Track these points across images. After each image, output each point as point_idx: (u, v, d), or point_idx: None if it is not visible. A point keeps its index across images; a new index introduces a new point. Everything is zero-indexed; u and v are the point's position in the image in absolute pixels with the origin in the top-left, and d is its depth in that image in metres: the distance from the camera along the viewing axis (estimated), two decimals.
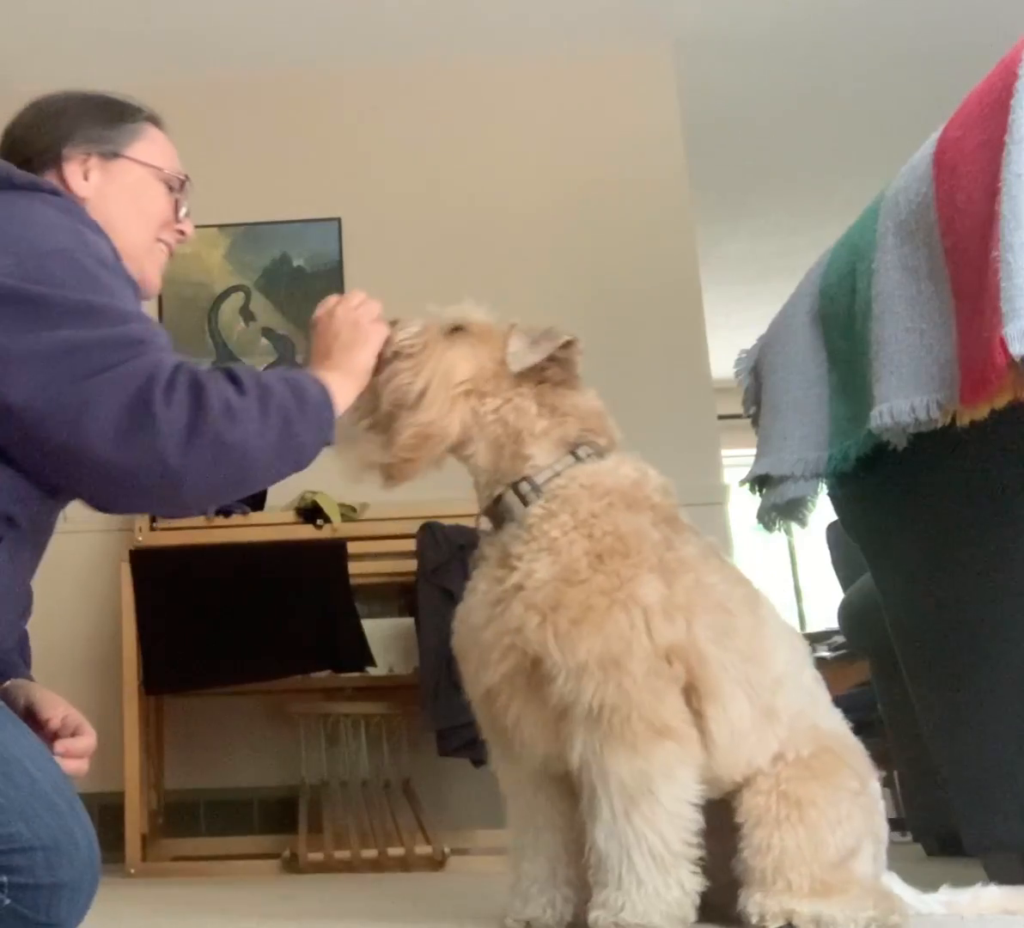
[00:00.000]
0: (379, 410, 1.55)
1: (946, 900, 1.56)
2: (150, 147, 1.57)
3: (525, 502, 1.51)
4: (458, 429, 1.54)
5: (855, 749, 1.51)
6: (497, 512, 1.54)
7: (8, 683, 1.48)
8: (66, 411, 1.24)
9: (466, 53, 4.23)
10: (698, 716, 1.42)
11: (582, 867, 1.44)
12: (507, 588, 1.46)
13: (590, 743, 1.39)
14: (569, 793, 1.47)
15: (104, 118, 1.56)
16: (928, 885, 1.59)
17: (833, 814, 1.41)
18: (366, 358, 1.54)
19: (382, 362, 1.55)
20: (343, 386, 1.49)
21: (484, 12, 4.04)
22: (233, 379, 1.34)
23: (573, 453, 1.53)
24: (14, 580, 1.36)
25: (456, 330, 1.58)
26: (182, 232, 1.61)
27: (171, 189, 1.58)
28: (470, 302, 1.62)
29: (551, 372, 1.56)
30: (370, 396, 1.54)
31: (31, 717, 1.42)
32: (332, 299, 1.59)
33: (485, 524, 1.58)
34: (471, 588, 1.53)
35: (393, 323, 1.58)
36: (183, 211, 1.60)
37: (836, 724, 1.53)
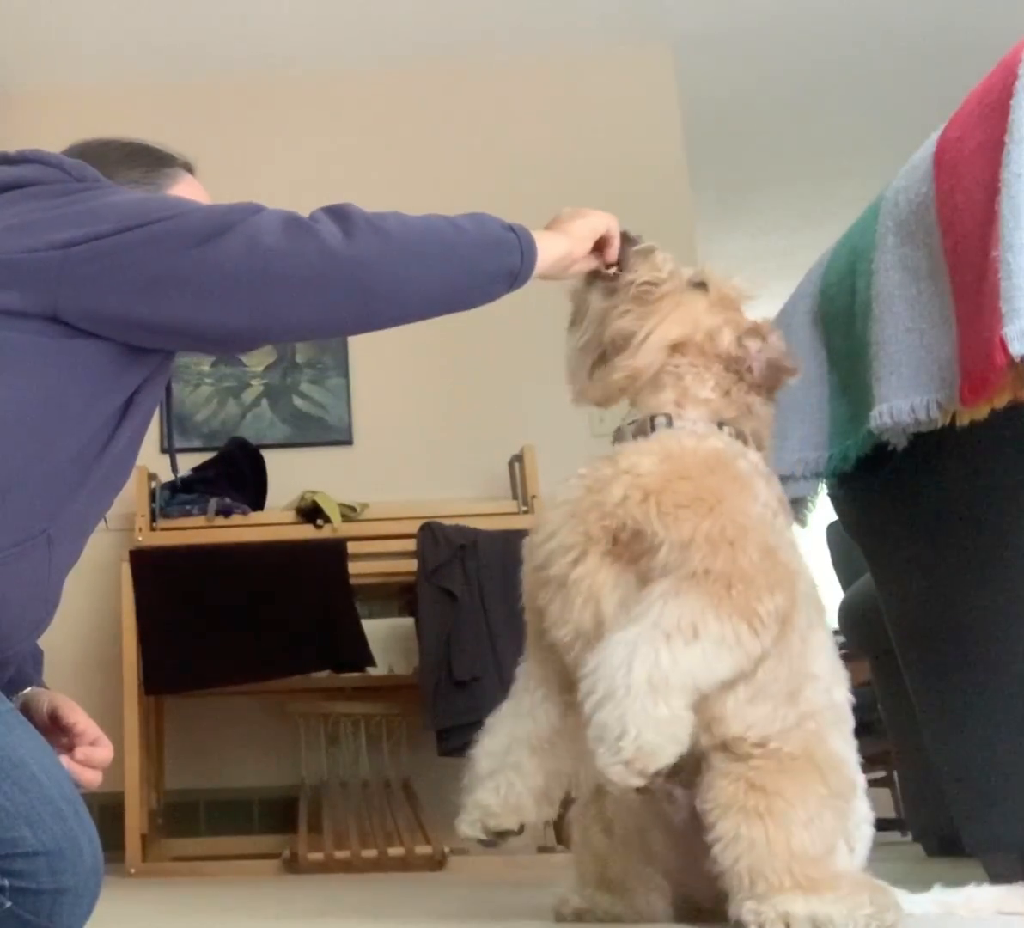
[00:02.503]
0: (600, 339, 1.60)
1: (939, 900, 1.53)
2: (188, 190, 1.61)
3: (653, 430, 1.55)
4: (653, 373, 1.58)
5: (843, 773, 1.43)
6: (622, 432, 1.58)
7: (30, 689, 1.47)
8: (234, 248, 1.32)
9: (466, 53, 4.23)
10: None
11: (538, 755, 1.44)
12: (607, 473, 1.47)
13: (668, 590, 1.35)
14: (568, 711, 1.46)
15: (144, 163, 1.60)
16: (928, 885, 1.58)
17: (803, 811, 1.35)
18: (581, 224, 1.56)
19: (614, 244, 1.60)
20: (545, 235, 1.53)
21: (483, 13, 4.04)
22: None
23: (718, 425, 1.55)
24: (50, 579, 1.38)
25: (699, 285, 1.61)
26: None
27: None
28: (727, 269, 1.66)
29: (752, 376, 1.58)
30: (595, 326, 1.60)
31: (54, 722, 1.42)
32: None
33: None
34: (571, 474, 1.54)
35: (649, 250, 1.60)
36: None
37: (843, 750, 1.46)
